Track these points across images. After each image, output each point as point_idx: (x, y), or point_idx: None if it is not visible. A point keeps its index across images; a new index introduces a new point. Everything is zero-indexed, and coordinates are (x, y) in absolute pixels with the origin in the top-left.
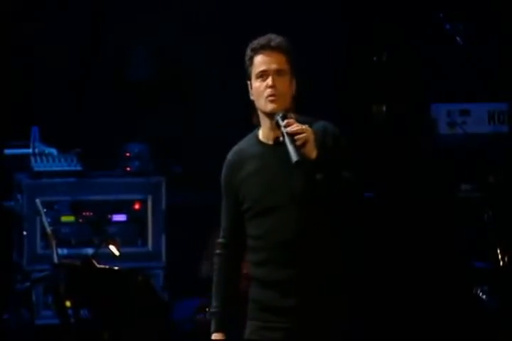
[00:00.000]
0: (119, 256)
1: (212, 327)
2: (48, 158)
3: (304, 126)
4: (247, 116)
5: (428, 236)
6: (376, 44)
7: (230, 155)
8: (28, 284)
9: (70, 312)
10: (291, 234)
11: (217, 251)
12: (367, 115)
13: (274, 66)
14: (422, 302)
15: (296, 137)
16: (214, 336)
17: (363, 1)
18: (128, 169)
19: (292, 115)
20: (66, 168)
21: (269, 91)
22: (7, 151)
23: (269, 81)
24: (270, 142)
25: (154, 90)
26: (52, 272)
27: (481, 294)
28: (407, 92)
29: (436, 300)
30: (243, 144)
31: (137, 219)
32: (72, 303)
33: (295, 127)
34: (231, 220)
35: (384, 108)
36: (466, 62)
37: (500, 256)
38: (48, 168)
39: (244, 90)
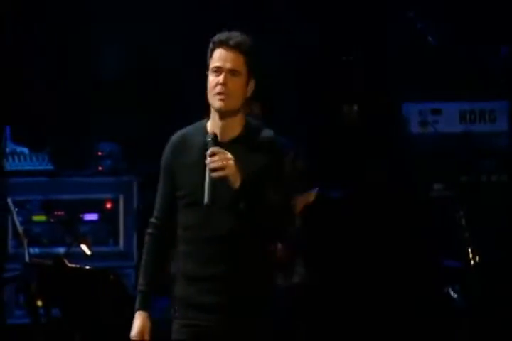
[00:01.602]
0: (91, 255)
1: (137, 305)
2: (19, 157)
3: (227, 157)
4: None
5: (399, 236)
6: (347, 43)
7: (174, 137)
8: None
9: (41, 311)
10: (218, 231)
11: (149, 231)
12: (338, 115)
13: (228, 65)
14: (392, 302)
15: (215, 174)
16: (137, 314)
17: (334, 0)
18: (100, 168)
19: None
20: (38, 167)
21: (218, 88)
22: None
23: (221, 78)
24: (224, 139)
25: (128, 89)
26: (23, 271)
27: (451, 293)
28: (379, 92)
29: (407, 299)
30: (190, 130)
31: (109, 219)
32: (43, 303)
33: (216, 162)
34: (165, 202)
35: (355, 107)
36: (437, 61)
37: (471, 255)
38: (19, 167)
39: None
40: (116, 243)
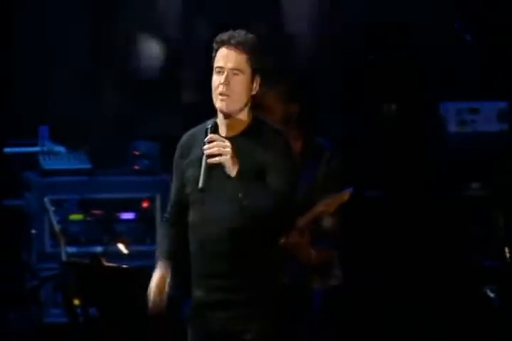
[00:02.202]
0: (128, 254)
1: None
2: (56, 157)
3: (224, 144)
4: None
5: (436, 236)
6: (385, 43)
7: (183, 137)
8: (36, 282)
9: (78, 310)
10: (222, 228)
11: (163, 223)
12: (377, 114)
13: (230, 64)
14: (430, 302)
15: (210, 160)
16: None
17: (374, 2)
18: (136, 167)
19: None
20: (75, 167)
21: (221, 88)
22: (16, 149)
23: (223, 78)
24: (228, 134)
25: (165, 88)
26: (61, 270)
27: (489, 293)
28: (417, 91)
29: (444, 300)
30: (198, 129)
31: (146, 218)
32: (80, 302)
33: (214, 148)
34: (177, 200)
35: (394, 107)
36: (475, 60)
37: (508, 255)
38: (56, 167)
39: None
40: (153, 242)
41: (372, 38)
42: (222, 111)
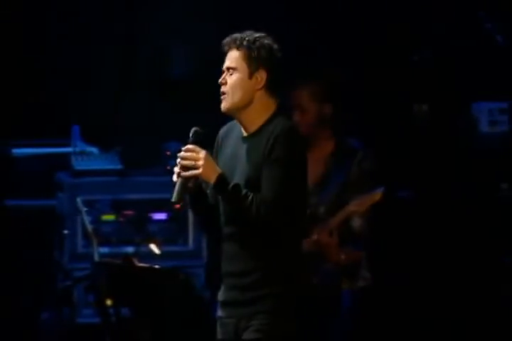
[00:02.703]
0: (160, 254)
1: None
2: (88, 157)
3: (199, 156)
4: None
5: (466, 236)
6: (416, 43)
7: (222, 128)
8: (69, 283)
9: (110, 310)
10: (233, 228)
11: None
12: (408, 114)
13: (225, 64)
14: (460, 304)
15: (183, 174)
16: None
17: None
18: (168, 168)
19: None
20: (107, 167)
21: (221, 88)
22: (48, 150)
23: (221, 78)
24: (244, 134)
25: (195, 89)
26: (93, 271)
27: None
28: (448, 91)
29: (475, 301)
30: (235, 124)
31: (178, 218)
32: (113, 302)
33: (186, 160)
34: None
35: (426, 107)
36: (506, 60)
37: None
38: (88, 167)
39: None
40: (186, 242)
41: (405, 37)
42: (223, 111)
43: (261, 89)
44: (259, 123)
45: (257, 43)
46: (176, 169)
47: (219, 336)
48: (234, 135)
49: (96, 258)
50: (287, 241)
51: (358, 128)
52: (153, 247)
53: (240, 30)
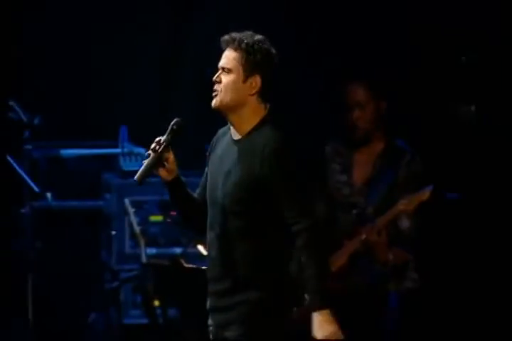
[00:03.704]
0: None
1: None
2: (136, 158)
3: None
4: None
5: None
6: (464, 43)
7: (219, 131)
8: (116, 283)
9: (158, 311)
10: (218, 231)
11: None
12: (455, 115)
13: (221, 62)
14: (509, 306)
15: (150, 158)
16: None
17: (451, 1)
18: None
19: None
20: None
21: (214, 86)
22: (96, 151)
23: (215, 76)
24: (235, 137)
25: None
26: (140, 271)
27: None
28: (496, 92)
29: None
30: (229, 127)
31: None
32: (160, 303)
33: (159, 146)
34: (200, 192)
35: (473, 108)
36: None
37: None
38: (136, 168)
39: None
40: None
41: (453, 39)
42: (212, 108)
43: (253, 94)
44: (249, 127)
45: (256, 47)
46: (150, 151)
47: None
48: (226, 138)
49: (143, 259)
50: (272, 246)
51: (406, 129)
52: (201, 248)
53: (281, 31)
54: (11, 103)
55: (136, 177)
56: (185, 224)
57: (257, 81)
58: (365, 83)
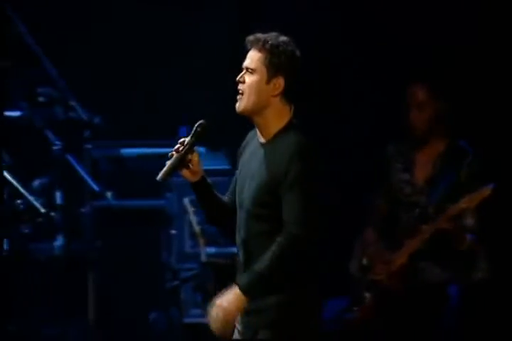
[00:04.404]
0: None
1: None
2: None
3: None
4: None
5: None
6: None
7: (250, 133)
8: (176, 283)
9: None
10: (244, 234)
11: None
12: None
13: (245, 63)
14: None
15: (173, 158)
16: None
17: None
18: None
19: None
20: (215, 167)
21: (238, 86)
22: (157, 150)
23: (239, 76)
24: (261, 140)
25: (302, 89)
26: (200, 271)
27: None
28: None
29: None
30: (255, 131)
31: None
32: None
33: (183, 147)
34: (230, 195)
35: None
36: None
37: None
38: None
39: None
40: None
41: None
42: (237, 112)
43: (277, 96)
44: (274, 130)
45: (280, 48)
46: (173, 152)
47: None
48: (254, 141)
49: (203, 258)
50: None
51: (468, 129)
52: None
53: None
54: (72, 103)
55: (158, 177)
56: (211, 224)
57: (280, 82)
58: (425, 84)
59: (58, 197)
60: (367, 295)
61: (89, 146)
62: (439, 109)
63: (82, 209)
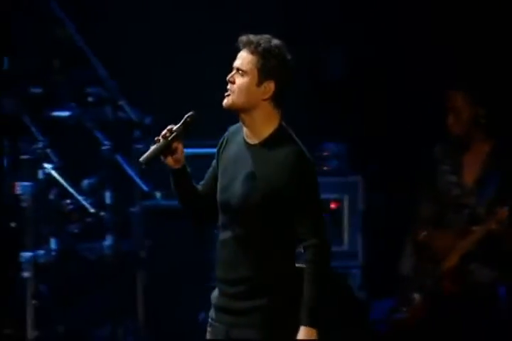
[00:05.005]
0: None
1: None
2: None
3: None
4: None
5: None
6: None
7: (229, 129)
8: None
9: None
10: (235, 233)
11: None
12: None
13: (236, 63)
14: None
15: (159, 144)
16: None
17: None
18: (325, 168)
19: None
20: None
21: (228, 85)
22: (209, 150)
23: (229, 76)
24: (249, 140)
25: (354, 89)
26: None
27: None
28: None
29: None
30: (240, 126)
31: (333, 219)
32: None
33: (170, 134)
34: (205, 184)
35: None
36: None
37: None
38: None
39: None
40: (341, 243)
41: None
42: (224, 108)
43: (266, 99)
44: (265, 133)
45: (272, 52)
46: (159, 137)
47: (208, 336)
48: (237, 139)
49: None
50: (283, 252)
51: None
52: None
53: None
54: (121, 103)
55: (141, 159)
56: (181, 205)
57: (271, 86)
58: (463, 90)
59: (108, 197)
60: (416, 296)
61: (139, 146)
62: (478, 114)
63: (132, 209)
